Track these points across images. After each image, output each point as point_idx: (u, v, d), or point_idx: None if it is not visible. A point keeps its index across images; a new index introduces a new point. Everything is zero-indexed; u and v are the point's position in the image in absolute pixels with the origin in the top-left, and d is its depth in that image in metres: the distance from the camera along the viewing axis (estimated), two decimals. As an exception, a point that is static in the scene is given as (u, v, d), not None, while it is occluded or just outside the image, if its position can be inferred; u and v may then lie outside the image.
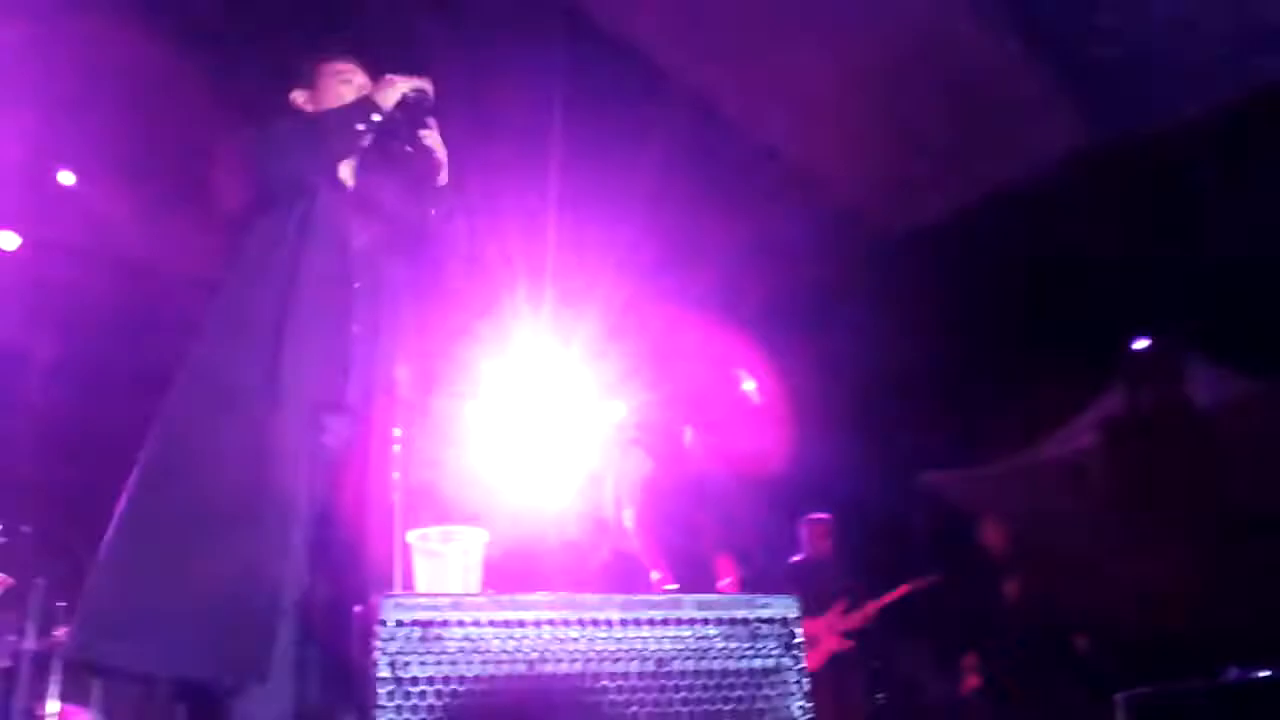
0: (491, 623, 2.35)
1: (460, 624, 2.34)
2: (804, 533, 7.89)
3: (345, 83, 3.40)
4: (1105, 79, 6.44)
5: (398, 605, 2.33)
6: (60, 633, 5.83)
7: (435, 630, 2.33)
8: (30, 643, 5.71)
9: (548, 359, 7.28)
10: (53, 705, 5.74)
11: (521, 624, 2.36)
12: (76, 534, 5.86)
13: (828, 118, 6.59)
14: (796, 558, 7.78)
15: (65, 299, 6.93)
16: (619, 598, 2.41)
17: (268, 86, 3.71)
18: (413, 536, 2.79)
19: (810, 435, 7.74)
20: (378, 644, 2.30)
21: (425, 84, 3.30)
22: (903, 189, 7.19)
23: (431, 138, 3.28)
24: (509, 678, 2.34)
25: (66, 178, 6.87)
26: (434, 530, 2.77)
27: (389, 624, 2.32)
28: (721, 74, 6.38)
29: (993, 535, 7.88)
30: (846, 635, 7.41)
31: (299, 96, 3.48)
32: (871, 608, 7.54)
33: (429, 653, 2.32)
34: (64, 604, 5.87)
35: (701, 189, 6.59)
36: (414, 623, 2.33)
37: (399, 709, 2.29)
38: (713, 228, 6.86)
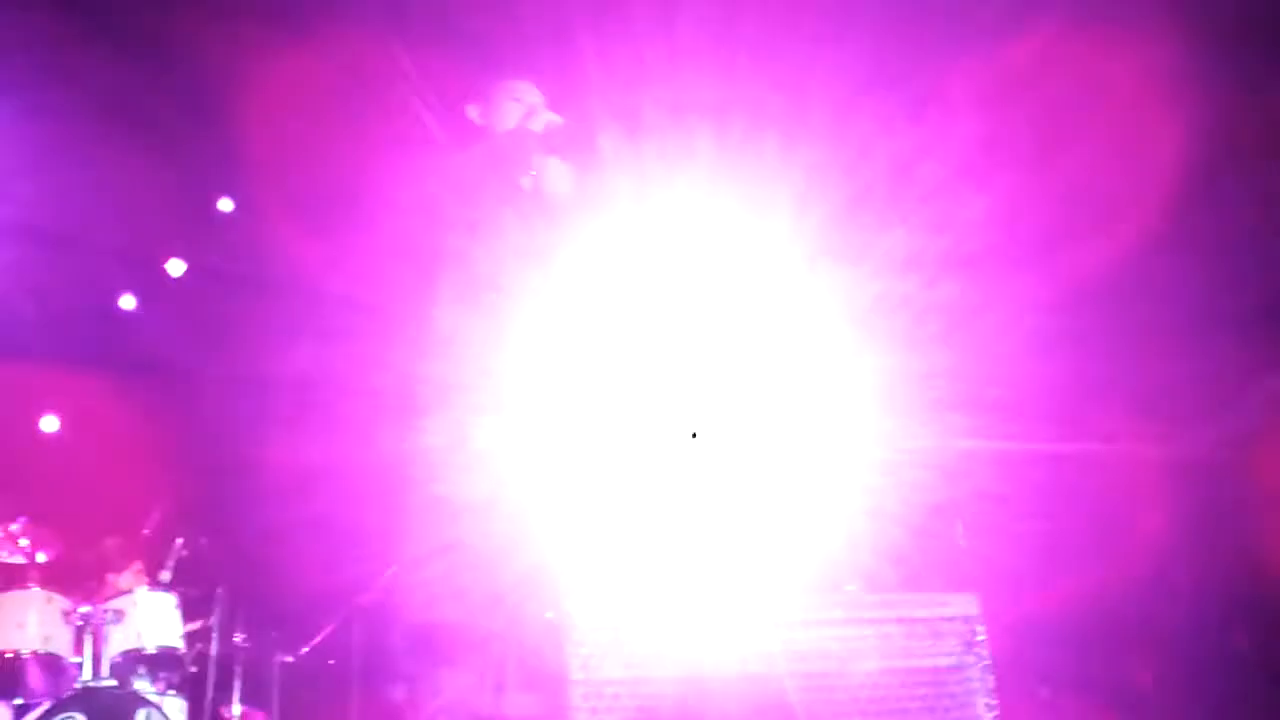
0: (679, 624, 2.44)
1: (649, 625, 2.44)
2: None
3: (516, 100, 3.65)
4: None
5: (591, 608, 2.44)
6: (240, 638, 6.15)
7: (626, 632, 2.43)
8: (214, 648, 6.03)
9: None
10: (235, 708, 6.05)
11: (708, 625, 2.45)
12: (247, 544, 6.18)
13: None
14: None
15: (226, 320, 7.28)
16: (804, 599, 2.48)
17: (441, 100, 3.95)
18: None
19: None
20: (572, 646, 2.42)
21: (558, 119, 3.52)
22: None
23: (552, 165, 3.49)
24: (697, 678, 2.43)
25: (225, 205, 7.22)
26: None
27: (582, 627, 2.43)
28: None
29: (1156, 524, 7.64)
30: None
31: (473, 111, 3.75)
32: None
33: (620, 654, 2.43)
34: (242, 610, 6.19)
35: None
36: (606, 625, 2.43)
37: (593, 710, 2.41)
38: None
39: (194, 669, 5.95)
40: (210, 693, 5.96)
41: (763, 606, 2.47)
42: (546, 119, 3.54)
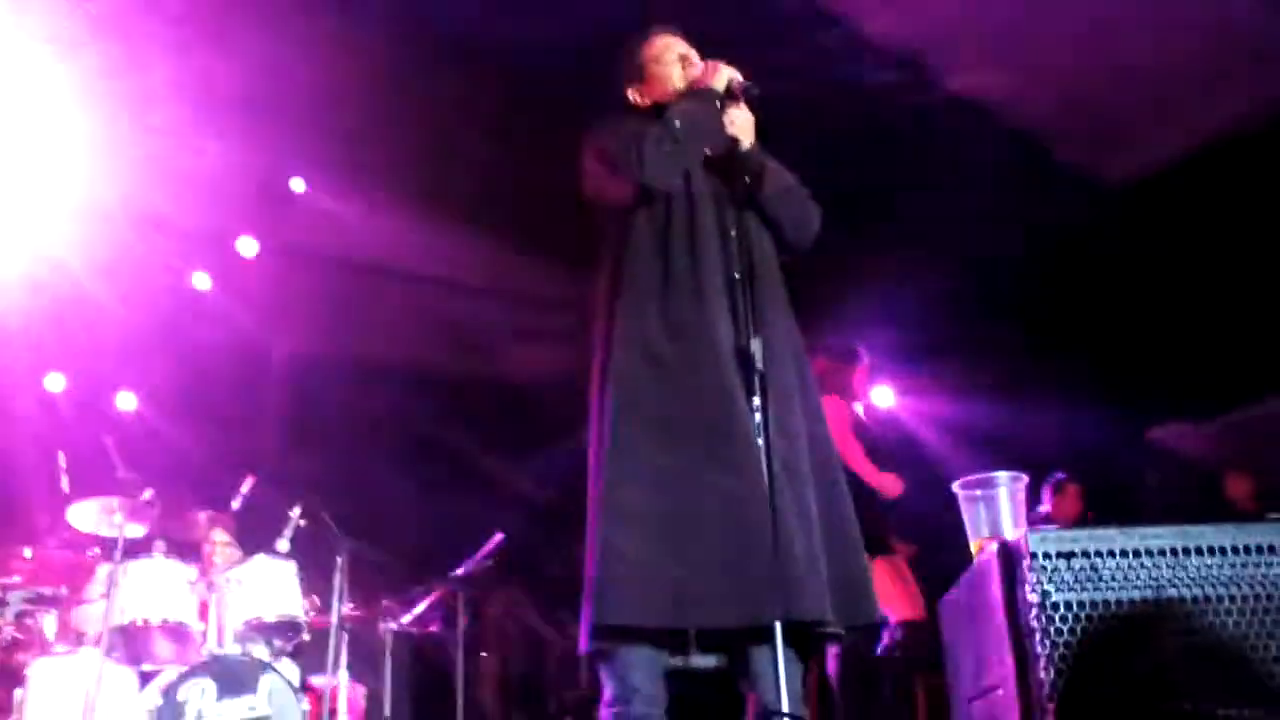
0: (1123, 552, 2.86)
1: (1100, 554, 2.86)
2: (1049, 494, 7.49)
3: (662, 61, 3.41)
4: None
5: (1044, 539, 2.87)
6: (350, 609, 6.29)
7: (1077, 560, 2.86)
8: (333, 616, 6.17)
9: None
10: (342, 675, 6.17)
11: (1151, 552, 2.89)
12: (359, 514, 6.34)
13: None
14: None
15: (303, 300, 7.35)
16: (1234, 528, 2.89)
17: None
18: (955, 485, 3.33)
19: (1036, 391, 7.78)
20: (1028, 574, 2.84)
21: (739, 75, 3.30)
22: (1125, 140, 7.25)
23: (740, 117, 3.29)
24: (1143, 603, 2.86)
25: (297, 184, 7.30)
26: (974, 478, 3.32)
27: (1038, 556, 2.86)
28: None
29: (1238, 488, 7.64)
30: None
31: (632, 91, 3.47)
32: None
33: (1071, 581, 2.86)
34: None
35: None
36: (1058, 554, 2.86)
37: (1052, 633, 2.83)
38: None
39: (308, 637, 6.07)
40: (330, 659, 6.08)
41: (1197, 535, 2.82)
42: (729, 76, 3.24)
